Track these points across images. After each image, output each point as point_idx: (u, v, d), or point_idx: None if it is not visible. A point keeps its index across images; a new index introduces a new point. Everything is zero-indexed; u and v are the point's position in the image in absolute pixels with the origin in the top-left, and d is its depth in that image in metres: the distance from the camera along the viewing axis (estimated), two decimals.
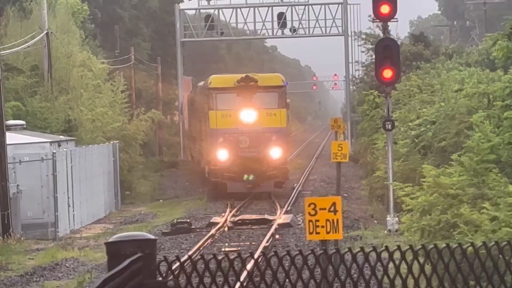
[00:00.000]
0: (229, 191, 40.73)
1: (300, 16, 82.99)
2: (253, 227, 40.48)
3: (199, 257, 6.66)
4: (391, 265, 6.77)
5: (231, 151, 38.47)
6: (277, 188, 43.46)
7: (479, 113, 34.38)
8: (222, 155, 39.25)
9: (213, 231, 39.51)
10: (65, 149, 48.22)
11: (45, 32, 58.20)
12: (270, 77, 44.13)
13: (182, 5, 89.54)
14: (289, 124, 52.82)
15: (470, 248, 7.01)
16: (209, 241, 38.81)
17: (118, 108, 68.36)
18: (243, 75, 42.65)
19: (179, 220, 43.75)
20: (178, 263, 6.28)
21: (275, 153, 38.93)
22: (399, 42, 48.00)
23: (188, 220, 43.10)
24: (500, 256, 7.04)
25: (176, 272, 6.20)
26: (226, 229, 40.58)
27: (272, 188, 40.45)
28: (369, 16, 45.52)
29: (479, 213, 28.91)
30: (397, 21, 40.31)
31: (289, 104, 69.38)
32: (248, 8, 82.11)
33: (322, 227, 18.04)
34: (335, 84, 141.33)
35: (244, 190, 42.44)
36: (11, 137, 43.95)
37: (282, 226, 40.30)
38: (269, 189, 39.36)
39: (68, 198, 46.86)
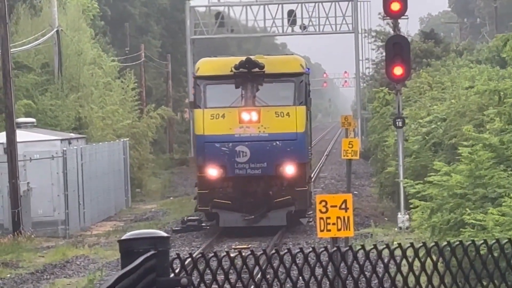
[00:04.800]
0: (222, 225, 34.76)
1: (310, 13, 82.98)
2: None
3: (212, 254, 6.64)
4: (403, 262, 6.78)
5: (224, 167, 32.29)
6: (293, 219, 36.58)
7: (490, 110, 34.52)
8: (212, 173, 32.80)
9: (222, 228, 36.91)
10: (75, 147, 48.16)
11: (55, 29, 58.12)
12: (283, 61, 35.53)
13: (192, 2, 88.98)
14: (310, 129, 48.88)
15: (483, 247, 7.01)
16: (219, 238, 36.48)
17: (128, 106, 68.39)
18: (244, 58, 35.70)
19: (189, 218, 42.71)
20: (190, 260, 6.29)
21: (289, 169, 32.67)
22: (409, 40, 47.88)
23: (198, 218, 41.47)
24: None
25: (189, 268, 6.21)
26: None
27: (284, 221, 33.89)
28: (379, 13, 44.98)
29: (485, 215, 28.56)
30: (407, 18, 40.22)
31: (311, 100, 54.46)
32: (258, 6, 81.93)
33: (333, 224, 18.03)
34: (346, 81, 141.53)
35: (243, 224, 35.85)
36: (21, 135, 44.08)
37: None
38: (279, 223, 33.09)
39: (79, 195, 46.79)
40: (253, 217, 33.64)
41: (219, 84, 35.12)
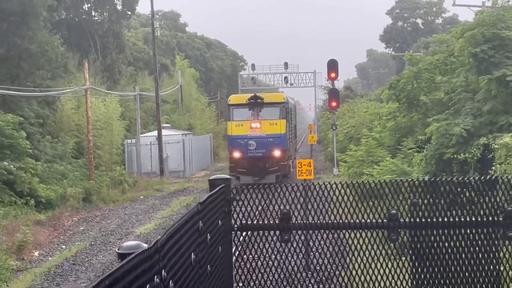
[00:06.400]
0: (241, 182, 33.37)
1: (295, 77, 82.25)
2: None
3: (244, 187, 6.18)
4: (336, 191, 6.25)
5: (242, 152, 31.32)
6: (279, 179, 35.78)
7: (374, 121, 34.35)
8: (236, 155, 31.78)
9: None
10: (188, 137, 47.32)
11: (179, 85, 57.21)
12: (273, 96, 35.83)
13: (241, 73, 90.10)
14: (293, 131, 40.63)
15: (372, 184, 6.51)
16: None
17: (211, 119, 68.59)
18: (253, 94, 35.06)
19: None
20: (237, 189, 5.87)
21: (275, 153, 31.74)
22: (338, 90, 45.93)
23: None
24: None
25: (237, 192, 5.80)
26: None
27: (274, 180, 32.68)
28: (325, 78, 43.30)
29: (372, 169, 26.69)
30: (338, 80, 39.15)
31: (296, 115, 51.29)
32: (271, 74, 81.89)
33: (304, 172, 17.36)
34: (310, 108, 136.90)
35: (252, 181, 34.45)
36: (164, 132, 43.48)
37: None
38: (271, 181, 32.06)
39: (189, 159, 46.02)
40: (257, 178, 32.79)
41: (239, 108, 34.34)
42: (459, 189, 5.72)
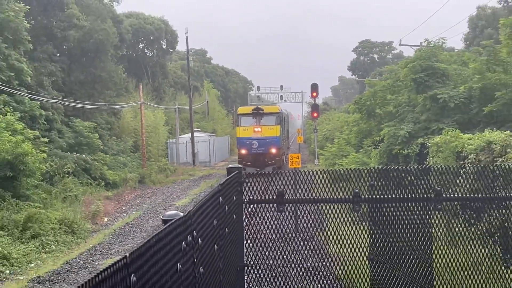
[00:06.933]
0: (247, 172, 30.85)
1: (287, 95, 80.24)
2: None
3: (250, 173, 6.10)
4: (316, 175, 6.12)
5: (247, 149, 29.65)
6: (275, 170, 34.01)
7: (344, 127, 33.46)
8: (242, 151, 30.21)
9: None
10: (212, 138, 46.70)
11: (206, 101, 57.03)
12: (271, 107, 33.85)
13: (250, 92, 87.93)
14: (286, 134, 39.46)
15: (344, 169, 6.38)
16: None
17: (229, 125, 67.08)
18: (255, 106, 33.32)
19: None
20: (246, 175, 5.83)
21: (272, 150, 30.00)
22: (319, 105, 45.35)
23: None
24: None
25: (246, 177, 5.77)
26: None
27: (271, 171, 30.43)
28: (309, 96, 42.23)
29: (342, 160, 25.76)
30: (318, 97, 38.39)
31: (289, 122, 49.79)
32: (271, 93, 79.67)
33: (294, 162, 17.08)
34: (298, 117, 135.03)
35: (255, 171, 31.29)
36: (195, 134, 43.05)
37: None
38: (269, 171, 29.72)
39: (213, 153, 45.34)
40: (259, 169, 31.34)
41: (245, 116, 32.84)
42: (403, 175, 5.70)
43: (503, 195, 5.53)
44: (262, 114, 35.00)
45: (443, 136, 15.27)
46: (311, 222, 6.08)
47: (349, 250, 5.87)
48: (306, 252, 6.28)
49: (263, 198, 5.95)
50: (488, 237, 5.77)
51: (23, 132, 19.57)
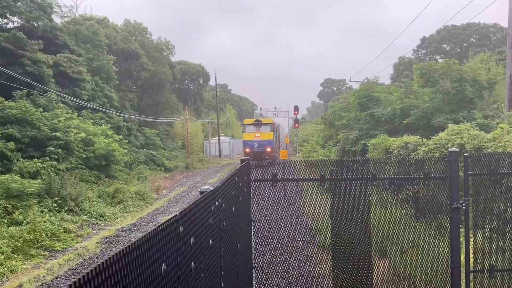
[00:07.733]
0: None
1: (279, 113, 78.61)
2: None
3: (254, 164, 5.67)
4: (298, 165, 5.62)
5: (250, 148, 28.12)
6: (270, 162, 31.30)
7: (315, 133, 33.01)
8: (247, 150, 28.76)
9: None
10: (231, 140, 45.86)
11: (227, 117, 56.19)
12: (267, 120, 32.05)
13: (256, 111, 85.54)
14: (277, 138, 36.42)
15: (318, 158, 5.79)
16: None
17: (240, 131, 65.03)
18: (256, 119, 31.90)
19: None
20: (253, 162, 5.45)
21: (267, 149, 28.36)
22: (300, 119, 43.42)
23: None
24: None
25: (253, 165, 5.47)
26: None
27: (267, 162, 28.21)
28: (293, 113, 40.01)
29: (314, 154, 24.27)
30: (298, 114, 37.20)
31: (279, 130, 42.98)
32: (269, 112, 77.66)
33: (283, 155, 16.74)
34: (286, 127, 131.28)
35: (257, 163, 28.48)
36: (221, 138, 42.52)
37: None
38: (266, 162, 27.78)
39: (232, 150, 44.57)
40: (259, 161, 28.31)
41: (249, 126, 31.14)
42: (352, 164, 5.76)
43: (415, 176, 5.61)
44: (260, 124, 33.79)
45: (377, 139, 15.43)
46: (294, 193, 6.12)
47: (317, 211, 5.92)
48: (290, 212, 6.32)
49: (263, 178, 5.88)
50: (405, 203, 5.89)
51: (112, 136, 20.95)
